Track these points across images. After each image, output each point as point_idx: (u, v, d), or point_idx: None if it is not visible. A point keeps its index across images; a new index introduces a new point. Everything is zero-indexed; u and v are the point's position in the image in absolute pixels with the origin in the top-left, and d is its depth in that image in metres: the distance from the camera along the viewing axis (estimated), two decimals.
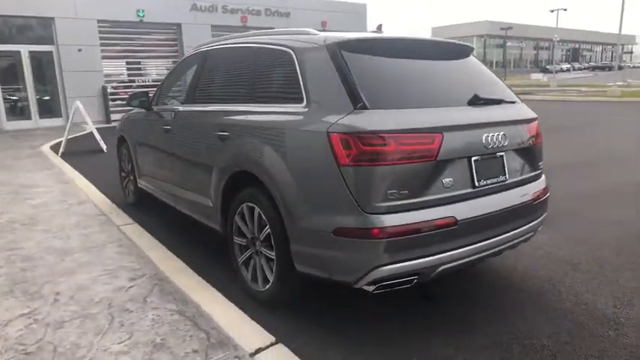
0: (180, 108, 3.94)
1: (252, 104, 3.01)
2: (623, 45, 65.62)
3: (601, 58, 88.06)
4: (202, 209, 3.50)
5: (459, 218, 2.37)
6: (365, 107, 2.30)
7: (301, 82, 2.62)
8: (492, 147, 2.57)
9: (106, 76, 15.93)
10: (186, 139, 3.72)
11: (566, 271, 3.39)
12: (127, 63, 17.29)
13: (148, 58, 17.62)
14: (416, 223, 2.26)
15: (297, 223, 2.49)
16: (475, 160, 2.51)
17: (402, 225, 2.23)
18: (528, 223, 2.80)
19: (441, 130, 2.37)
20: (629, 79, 32.57)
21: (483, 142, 2.53)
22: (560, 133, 10.02)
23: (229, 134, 3.06)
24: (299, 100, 2.60)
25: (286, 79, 2.78)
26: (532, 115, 2.96)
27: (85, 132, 12.21)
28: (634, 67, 72.39)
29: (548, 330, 2.60)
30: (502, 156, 2.67)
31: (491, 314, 2.79)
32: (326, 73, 2.50)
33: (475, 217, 2.45)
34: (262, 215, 2.76)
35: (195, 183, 3.57)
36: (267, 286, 2.81)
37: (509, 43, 61.80)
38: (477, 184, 2.51)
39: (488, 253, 2.57)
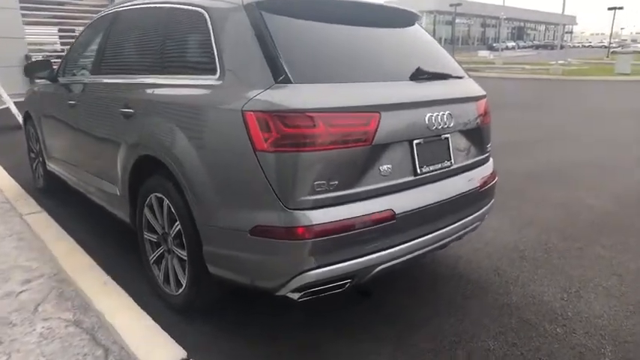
0: (86, 80, 3.38)
1: (160, 76, 2.54)
2: (564, 25, 68.15)
3: (544, 37, 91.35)
4: (110, 198, 3.02)
5: (397, 211, 2.05)
6: (288, 80, 1.90)
7: (215, 50, 2.17)
8: (437, 128, 2.25)
9: (32, 44, 14.46)
10: (91, 116, 3.18)
11: (513, 258, 3.21)
12: (60, 31, 15.77)
13: (83, 25, 16.10)
14: (348, 219, 1.91)
15: (209, 219, 2.09)
16: (417, 144, 2.19)
17: (332, 222, 1.88)
18: (475, 212, 2.54)
19: (378, 108, 2.01)
20: (570, 59, 33.92)
21: (427, 122, 2.21)
22: (504, 110, 10.04)
23: (134, 111, 2.58)
24: (212, 71, 2.16)
25: (199, 46, 2.32)
26: (481, 92, 2.67)
27: (2, 106, 11.03)
28: (573, 46, 75.70)
29: (494, 329, 2.38)
30: (447, 138, 2.37)
31: (434, 310, 2.54)
32: (243, 39, 2.07)
33: (417, 209, 2.14)
34: (171, 208, 2.34)
35: (102, 168, 3.06)
36: (180, 291, 2.41)
37: (457, 20, 62.56)
38: (418, 171, 2.19)
39: (431, 247, 2.29)
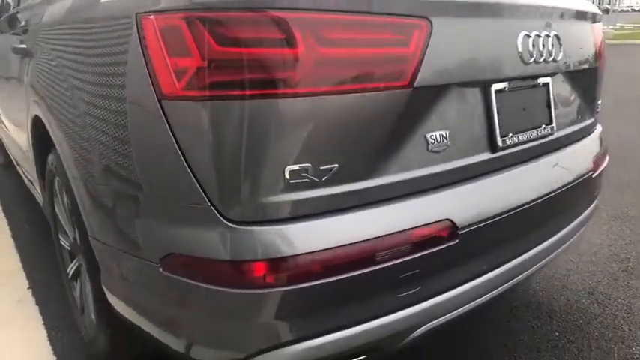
0: None
1: None
2: None
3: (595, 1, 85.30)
4: (29, 177, 2.12)
5: (460, 224, 1.04)
6: None
7: None
8: (535, 62, 1.20)
9: None
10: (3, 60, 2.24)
11: (613, 273, 2.16)
12: None
13: None
14: (360, 243, 0.92)
15: (100, 231, 1.14)
16: (498, 92, 1.16)
17: (328, 250, 0.89)
18: (587, 209, 1.51)
19: (425, 10, 0.98)
20: (618, 24, 31.16)
21: (519, 48, 1.16)
22: None
23: (26, 47, 1.62)
24: None
25: None
26: (594, 8, 1.57)
27: None
28: (621, 10, 70.51)
29: None
30: (547, 84, 1.32)
31: None
32: None
33: (496, 216, 1.12)
34: (69, 203, 1.40)
35: (17, 137, 2.14)
36: (94, 335, 1.49)
37: None
38: (499, 142, 1.16)
39: (514, 282, 1.27)
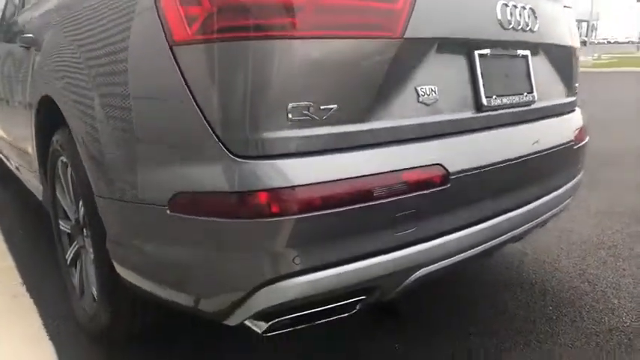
0: None
1: None
2: (589, 21, 65.80)
3: None
4: (26, 171, 2.15)
5: (452, 169, 1.10)
6: None
7: None
8: (513, 29, 1.31)
9: None
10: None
11: (601, 257, 2.22)
12: None
13: None
14: (358, 179, 0.98)
15: (107, 187, 1.19)
16: (482, 56, 1.25)
17: (328, 184, 0.95)
18: (568, 182, 1.58)
19: None
20: (597, 54, 32.32)
21: (498, 15, 1.26)
22: None
23: (33, 36, 1.70)
24: None
25: None
26: None
27: None
28: (598, 42, 73.26)
29: None
30: (526, 56, 1.42)
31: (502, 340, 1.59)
32: None
33: (485, 166, 1.19)
34: (74, 176, 1.44)
35: (16, 131, 2.19)
36: (94, 313, 1.51)
37: None
38: (484, 101, 1.25)
39: (505, 238, 1.33)
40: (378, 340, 1.62)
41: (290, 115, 0.93)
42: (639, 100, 9.18)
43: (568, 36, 1.60)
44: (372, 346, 1.58)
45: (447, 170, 1.09)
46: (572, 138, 1.56)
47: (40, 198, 2.02)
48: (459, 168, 1.12)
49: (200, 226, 0.97)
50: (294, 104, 0.93)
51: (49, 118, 1.59)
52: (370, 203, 0.98)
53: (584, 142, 1.69)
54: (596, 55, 31.11)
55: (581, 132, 1.67)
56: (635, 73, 17.90)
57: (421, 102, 1.11)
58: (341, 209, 0.95)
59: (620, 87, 12.37)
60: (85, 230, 1.55)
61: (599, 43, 74.30)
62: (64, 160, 1.54)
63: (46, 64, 1.53)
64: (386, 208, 1.00)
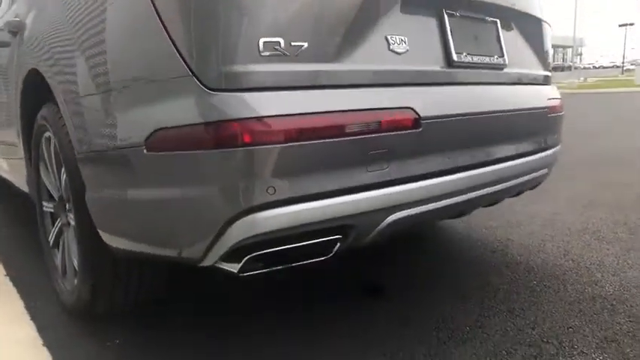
0: None
1: None
2: (574, 47, 67.50)
3: (554, 59, 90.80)
4: (11, 158, 2.16)
5: (423, 114, 1.13)
6: None
7: None
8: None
9: None
10: None
11: (586, 241, 2.24)
12: None
13: None
14: (331, 113, 1.01)
15: (85, 137, 1.21)
16: (451, 16, 1.30)
17: (301, 116, 0.97)
18: (544, 150, 1.61)
19: None
20: (582, 78, 33.12)
21: None
22: None
23: (20, 20, 1.74)
24: None
25: None
26: None
27: None
28: (584, 67, 75.01)
29: (593, 334, 1.41)
30: (496, 22, 1.47)
31: (483, 310, 1.58)
32: None
33: (456, 115, 1.22)
34: (57, 145, 1.46)
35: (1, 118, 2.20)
36: (75, 288, 1.50)
37: None
38: (454, 57, 1.29)
39: (481, 194, 1.35)
40: (363, 314, 1.61)
41: (261, 50, 0.96)
42: (609, 113, 9.39)
43: (538, 9, 1.67)
44: (357, 320, 1.57)
45: (418, 114, 1.12)
46: (545, 106, 1.60)
47: (23, 188, 2.02)
48: (430, 114, 1.15)
49: (176, 162, 0.99)
50: (266, 39, 0.96)
51: (34, 96, 1.62)
52: (341, 139, 1.00)
53: (558, 114, 1.73)
54: (582, 78, 31.96)
55: (557, 105, 1.71)
56: (616, 93, 18.38)
57: (392, 50, 1.15)
58: (312, 142, 0.97)
59: (597, 104, 12.65)
60: (67, 205, 1.56)
61: (584, 67, 76.14)
62: (48, 135, 1.56)
63: (34, 38, 1.56)
64: (357, 144, 1.03)
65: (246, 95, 0.95)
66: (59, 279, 1.68)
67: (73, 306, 1.54)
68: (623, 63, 47.80)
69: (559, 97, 1.78)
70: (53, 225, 1.75)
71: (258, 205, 0.95)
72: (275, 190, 0.95)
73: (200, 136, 0.94)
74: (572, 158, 4.42)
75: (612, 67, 69.94)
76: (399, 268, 2.01)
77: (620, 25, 39.17)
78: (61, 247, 1.68)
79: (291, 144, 0.95)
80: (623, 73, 38.59)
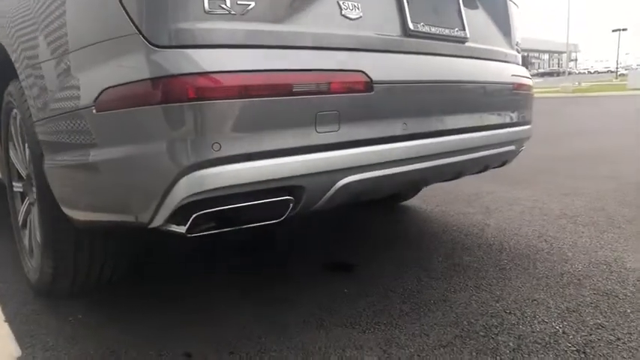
0: None
1: None
2: (567, 52, 68.10)
3: (549, 65, 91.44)
4: None
5: (375, 77, 1.14)
6: None
7: None
8: None
9: None
10: None
11: (562, 225, 2.24)
12: None
13: None
14: (279, 71, 1.01)
15: (41, 102, 1.21)
16: None
17: (246, 72, 0.98)
18: (508, 126, 1.62)
19: None
20: (576, 82, 33.33)
21: None
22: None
23: None
24: None
25: None
26: None
27: None
28: (579, 72, 75.53)
29: (557, 306, 1.41)
30: None
31: (449, 286, 1.57)
32: None
33: (409, 82, 1.23)
34: (20, 120, 1.46)
35: None
36: (39, 265, 1.49)
37: None
38: (410, 26, 1.29)
39: (438, 164, 1.35)
40: (330, 285, 1.61)
41: (207, 8, 0.97)
42: (599, 113, 9.44)
43: None
44: (325, 291, 1.57)
45: (370, 78, 1.13)
46: (509, 82, 1.61)
47: None
48: (383, 78, 1.15)
49: (124, 121, 0.99)
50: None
51: (1, 75, 1.62)
52: (287, 97, 1.01)
53: (526, 93, 1.74)
54: (577, 83, 32.15)
55: (523, 83, 1.72)
56: (607, 96, 18.50)
57: (344, 15, 1.15)
58: (257, 100, 0.97)
59: (589, 106, 12.72)
60: (33, 182, 1.56)
61: (579, 73, 76.65)
62: (15, 111, 1.56)
63: None
64: (305, 104, 1.03)
65: (190, 51, 0.95)
66: (26, 257, 1.67)
67: (38, 283, 1.53)
68: (617, 68, 48.08)
69: (527, 76, 1.79)
70: (22, 203, 1.74)
71: (203, 162, 0.95)
72: (220, 147, 0.95)
73: (145, 92, 0.95)
74: (557, 153, 4.44)
75: (607, 72, 70.46)
76: (368, 250, 2.01)
77: (613, 31, 39.41)
78: (28, 226, 1.68)
79: (235, 100, 0.95)
80: (617, 78, 38.79)
